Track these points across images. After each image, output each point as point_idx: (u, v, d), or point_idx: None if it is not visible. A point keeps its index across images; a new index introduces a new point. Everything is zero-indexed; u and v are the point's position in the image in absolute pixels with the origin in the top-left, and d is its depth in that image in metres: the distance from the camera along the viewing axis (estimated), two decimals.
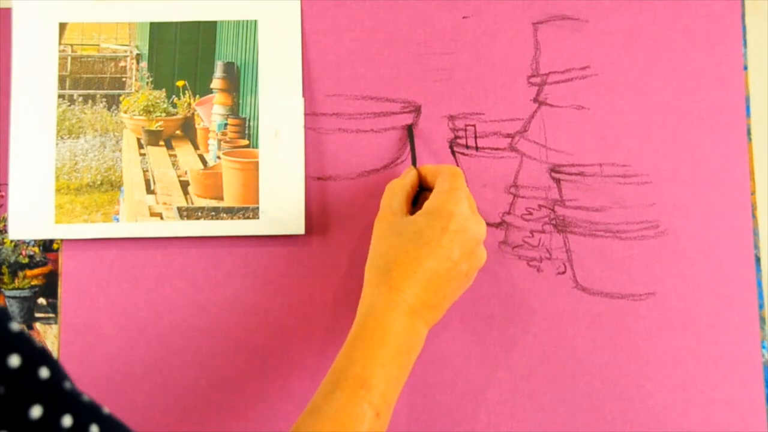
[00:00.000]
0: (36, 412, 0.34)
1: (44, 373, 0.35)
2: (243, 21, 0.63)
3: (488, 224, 0.62)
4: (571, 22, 0.64)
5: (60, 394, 0.35)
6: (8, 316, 0.35)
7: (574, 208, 0.62)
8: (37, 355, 0.35)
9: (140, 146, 0.63)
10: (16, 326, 0.35)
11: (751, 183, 0.62)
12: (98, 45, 0.64)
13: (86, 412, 0.36)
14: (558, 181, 0.62)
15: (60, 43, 0.63)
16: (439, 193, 0.54)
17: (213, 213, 0.61)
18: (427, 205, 0.54)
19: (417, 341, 0.51)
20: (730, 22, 0.63)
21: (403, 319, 0.49)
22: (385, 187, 0.57)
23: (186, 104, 0.63)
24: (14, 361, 0.34)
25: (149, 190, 0.62)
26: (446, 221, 0.51)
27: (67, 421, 0.34)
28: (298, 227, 0.61)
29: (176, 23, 0.63)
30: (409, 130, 0.61)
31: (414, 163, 0.61)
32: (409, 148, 0.62)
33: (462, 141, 0.63)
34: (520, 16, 0.64)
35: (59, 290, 0.61)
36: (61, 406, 0.35)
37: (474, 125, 0.63)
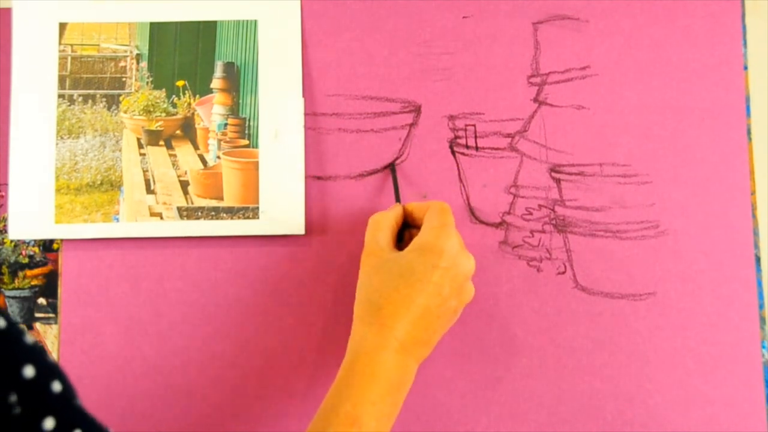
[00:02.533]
0: (49, 424, 0.34)
1: (57, 386, 0.35)
2: (243, 21, 0.63)
3: (488, 224, 0.62)
4: (571, 22, 0.64)
5: (71, 409, 0.36)
6: (22, 330, 0.35)
7: (574, 208, 0.62)
8: (50, 368, 0.35)
9: (140, 146, 0.63)
10: (30, 339, 0.35)
11: (751, 183, 0.62)
12: (98, 45, 0.64)
13: (95, 429, 0.36)
14: (558, 181, 0.62)
15: (60, 43, 0.63)
16: (429, 229, 0.53)
17: (213, 213, 0.61)
18: (416, 240, 0.53)
19: (407, 378, 0.51)
20: (730, 22, 0.63)
21: (394, 357, 0.49)
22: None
23: (186, 104, 0.63)
24: (29, 371, 0.34)
25: (149, 190, 0.62)
26: (437, 258, 0.51)
27: None
28: (298, 227, 0.61)
29: (176, 23, 0.63)
30: (392, 168, 0.61)
31: (398, 199, 0.60)
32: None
33: (462, 141, 0.63)
34: (520, 16, 0.64)
35: (59, 290, 0.61)
36: (73, 421, 0.35)
37: (474, 125, 0.63)
